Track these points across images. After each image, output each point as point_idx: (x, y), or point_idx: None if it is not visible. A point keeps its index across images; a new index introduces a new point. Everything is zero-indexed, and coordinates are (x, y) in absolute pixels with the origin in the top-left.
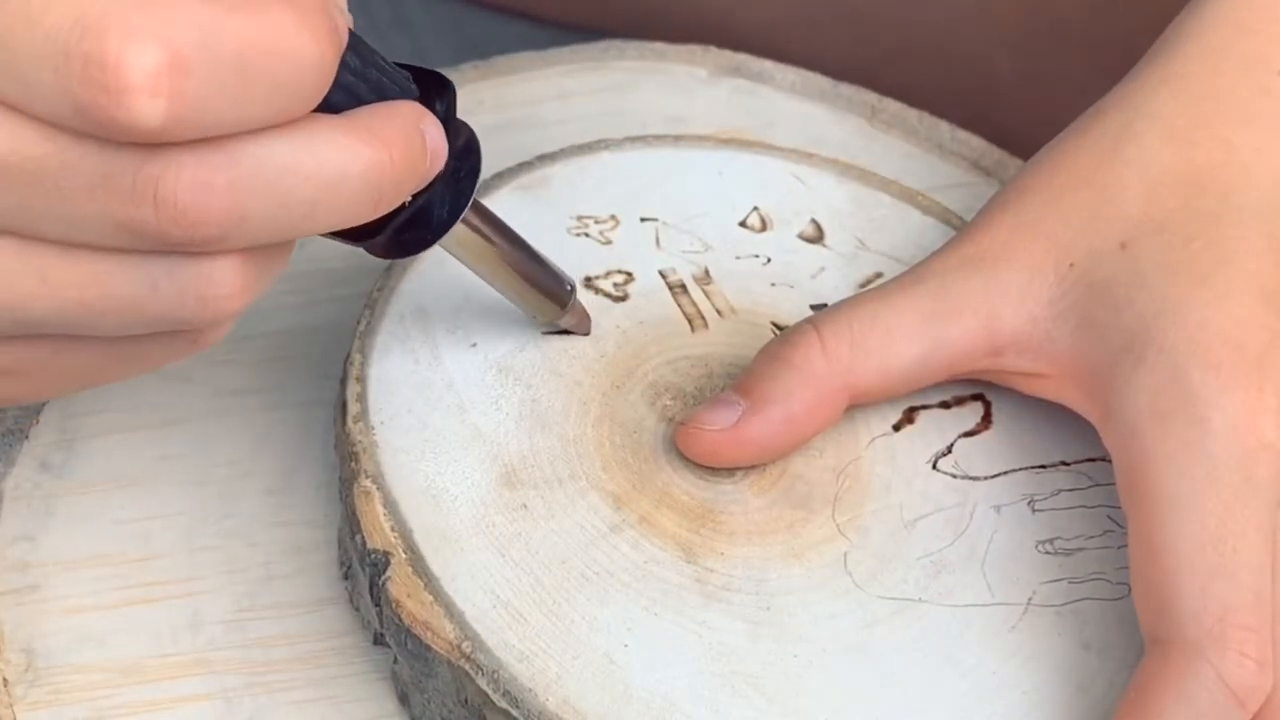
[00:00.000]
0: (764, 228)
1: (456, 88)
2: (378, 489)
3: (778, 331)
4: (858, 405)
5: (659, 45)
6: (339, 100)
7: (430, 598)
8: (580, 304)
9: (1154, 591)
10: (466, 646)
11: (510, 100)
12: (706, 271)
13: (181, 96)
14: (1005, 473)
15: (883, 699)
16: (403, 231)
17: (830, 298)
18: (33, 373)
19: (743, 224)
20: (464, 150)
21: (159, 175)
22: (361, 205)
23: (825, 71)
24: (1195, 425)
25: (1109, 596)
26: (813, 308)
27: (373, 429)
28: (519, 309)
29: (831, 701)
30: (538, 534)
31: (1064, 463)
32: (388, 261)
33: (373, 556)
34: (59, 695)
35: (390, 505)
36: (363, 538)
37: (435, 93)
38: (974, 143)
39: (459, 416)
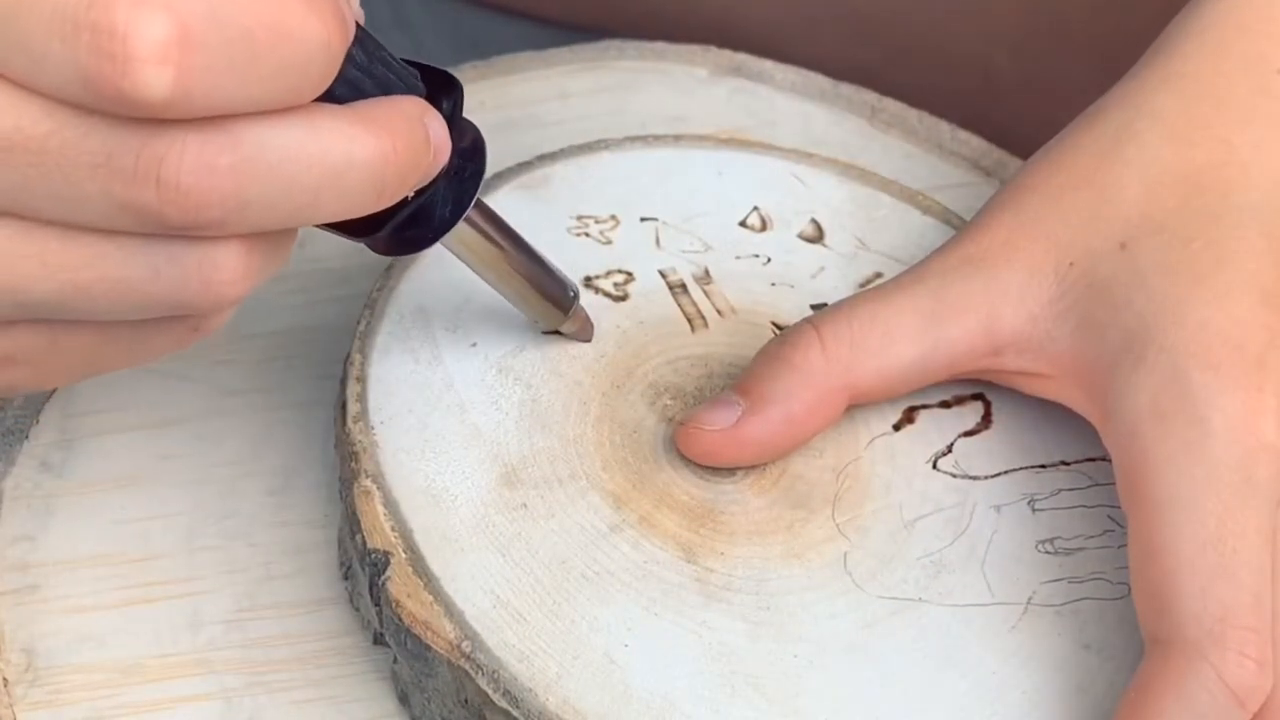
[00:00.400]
0: (764, 228)
1: None
2: (378, 489)
3: (778, 331)
4: (858, 405)
5: (659, 45)
6: (343, 94)
7: (430, 598)
8: (583, 311)
9: (1154, 592)
10: (466, 646)
11: (510, 100)
12: (706, 271)
13: (189, 70)
14: (1005, 472)
15: (883, 699)
16: (405, 228)
17: (830, 298)
18: (34, 360)
19: (743, 224)
20: (470, 150)
21: (162, 156)
22: (365, 195)
23: (825, 71)
24: (1195, 425)
25: (1109, 596)
26: (813, 307)
27: (373, 429)
28: (521, 313)
29: (831, 701)
30: (538, 534)
31: (1064, 463)
32: (388, 261)
33: (373, 556)
34: (59, 695)
35: (390, 505)
36: (363, 538)
37: (443, 91)
38: (974, 143)
39: (459, 416)
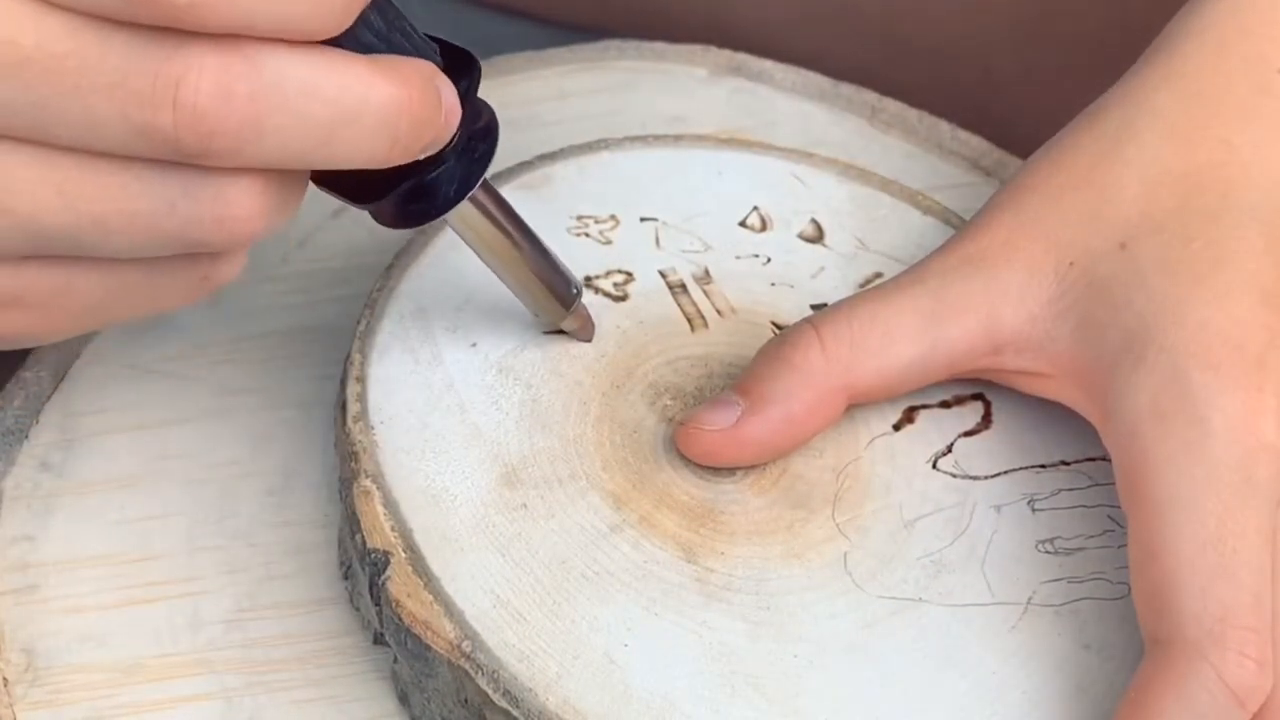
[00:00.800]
0: (764, 228)
1: None
2: (378, 489)
3: (778, 331)
4: (858, 405)
5: (659, 45)
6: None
7: (430, 597)
8: (585, 309)
9: (1154, 592)
10: (466, 646)
11: (510, 100)
12: (706, 271)
13: None
14: (1005, 472)
15: (883, 699)
16: (411, 200)
17: (830, 298)
18: (42, 302)
19: (743, 224)
20: (482, 131)
21: (179, 78)
22: (378, 142)
23: (825, 71)
24: (1195, 425)
25: (1109, 596)
26: (813, 307)
27: (373, 429)
28: (523, 305)
29: (831, 701)
30: (538, 534)
31: (1064, 463)
32: (388, 261)
33: (373, 556)
34: (59, 695)
35: (390, 505)
36: (363, 537)
37: (461, 68)
38: (974, 143)
39: (459, 416)
